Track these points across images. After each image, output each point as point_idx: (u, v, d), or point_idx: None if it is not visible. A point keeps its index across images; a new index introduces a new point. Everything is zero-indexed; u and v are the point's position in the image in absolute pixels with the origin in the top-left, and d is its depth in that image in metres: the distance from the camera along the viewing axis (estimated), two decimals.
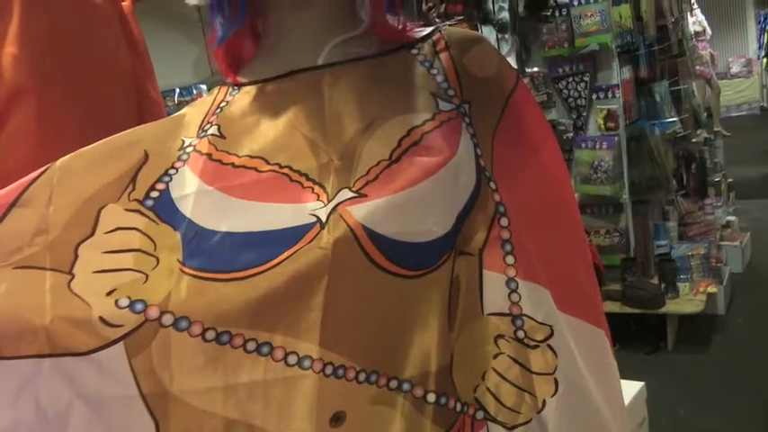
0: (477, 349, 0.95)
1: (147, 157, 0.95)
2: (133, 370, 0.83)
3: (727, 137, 7.79)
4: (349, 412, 0.86)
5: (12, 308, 0.85)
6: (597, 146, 4.29)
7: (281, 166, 0.92)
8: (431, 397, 0.90)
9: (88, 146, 0.98)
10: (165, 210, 0.90)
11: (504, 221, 0.97)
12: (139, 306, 0.84)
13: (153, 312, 0.84)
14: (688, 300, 4.23)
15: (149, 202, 0.91)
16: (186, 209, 0.90)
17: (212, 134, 0.96)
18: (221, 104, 1.01)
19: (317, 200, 0.89)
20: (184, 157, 0.96)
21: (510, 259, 0.97)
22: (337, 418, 0.85)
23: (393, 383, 0.88)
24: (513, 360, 0.96)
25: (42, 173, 0.95)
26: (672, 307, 4.16)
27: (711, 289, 4.34)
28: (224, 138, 0.96)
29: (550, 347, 0.97)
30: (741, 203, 6.56)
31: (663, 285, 4.25)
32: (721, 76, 11.52)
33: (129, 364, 0.84)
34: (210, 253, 0.87)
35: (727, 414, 3.41)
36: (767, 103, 13.07)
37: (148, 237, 0.88)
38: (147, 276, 0.86)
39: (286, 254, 0.85)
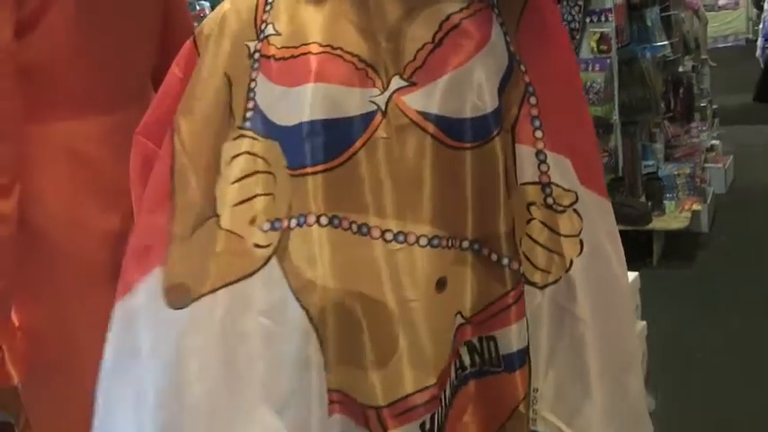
0: (517, 217, 1.12)
1: (230, 81, 1.11)
2: (285, 274, 1.01)
3: (713, 67, 7.93)
4: (447, 276, 1.04)
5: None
6: (590, 68, 4.41)
7: (333, 48, 1.07)
8: (499, 258, 1.08)
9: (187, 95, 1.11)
10: (260, 125, 1.07)
11: (533, 100, 1.14)
12: (277, 224, 1.02)
13: (285, 223, 1.01)
14: (674, 217, 4.43)
15: (248, 124, 1.08)
16: (274, 115, 1.07)
17: (270, 34, 1.11)
18: (269, 1, 1.15)
19: (374, 86, 1.05)
20: (255, 65, 1.11)
21: (539, 133, 1.14)
22: (442, 284, 1.04)
23: (464, 243, 1.06)
24: (543, 225, 1.14)
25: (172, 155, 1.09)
26: (658, 224, 4.36)
27: (696, 207, 4.54)
28: (280, 34, 1.10)
29: (576, 212, 1.15)
30: (725, 129, 6.71)
31: (650, 203, 4.44)
32: (709, 8, 11.55)
33: (282, 269, 1.00)
34: (303, 150, 1.03)
35: (710, 323, 3.62)
36: (753, 36, 13.09)
37: (259, 156, 1.05)
38: (273, 196, 1.04)
39: (359, 143, 1.02)
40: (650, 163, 4.72)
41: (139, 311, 1.08)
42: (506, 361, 1.10)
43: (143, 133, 1.17)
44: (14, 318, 1.38)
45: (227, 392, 1.02)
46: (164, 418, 1.03)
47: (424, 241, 1.03)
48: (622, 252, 1.22)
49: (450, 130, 1.04)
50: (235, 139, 1.07)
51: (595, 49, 4.45)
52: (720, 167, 5.54)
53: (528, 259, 1.14)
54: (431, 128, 1.03)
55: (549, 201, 1.14)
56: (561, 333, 1.15)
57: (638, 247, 4.39)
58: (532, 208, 1.14)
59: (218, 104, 1.09)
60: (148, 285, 1.07)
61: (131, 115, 1.42)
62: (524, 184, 1.14)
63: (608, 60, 4.43)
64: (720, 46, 12.66)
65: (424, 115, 1.03)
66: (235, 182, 1.05)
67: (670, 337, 3.43)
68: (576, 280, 1.14)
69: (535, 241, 1.14)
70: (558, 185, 1.14)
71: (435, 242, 1.04)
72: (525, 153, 1.14)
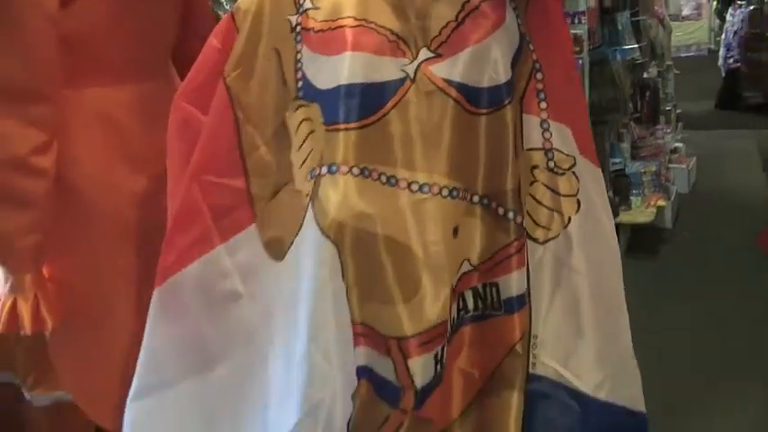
0: (522, 178, 1.26)
1: (279, 55, 1.24)
2: (315, 215, 1.13)
3: (677, 74, 8.18)
4: (460, 225, 1.18)
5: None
6: None
7: (367, 22, 1.20)
8: (505, 212, 1.22)
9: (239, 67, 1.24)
10: (308, 92, 1.20)
11: (539, 76, 1.29)
12: (313, 173, 1.15)
13: (317, 171, 1.17)
14: (640, 212, 4.61)
15: (300, 93, 1.21)
16: (316, 81, 1.20)
17: (308, 8, 1.24)
18: None
19: (404, 57, 1.18)
20: (298, 38, 1.24)
21: (543, 105, 1.28)
22: (455, 230, 1.17)
23: (475, 197, 1.19)
24: (545, 186, 1.28)
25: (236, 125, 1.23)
26: (625, 217, 4.54)
27: (661, 202, 4.73)
28: (318, 8, 1.23)
29: (574, 174, 1.29)
30: (688, 133, 6.95)
31: (617, 198, 4.61)
32: (673, 18, 11.83)
33: (313, 212, 1.12)
34: (338, 109, 1.16)
35: (670, 310, 3.80)
36: (714, 46, 13.44)
37: (310, 119, 1.18)
38: (314, 150, 1.16)
39: (390, 104, 1.15)
40: (617, 161, 4.90)
41: (243, 262, 1.22)
42: (506, 305, 1.24)
43: (183, 98, 1.28)
44: (45, 270, 1.48)
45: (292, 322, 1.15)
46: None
47: (445, 192, 1.16)
48: (611, 213, 1.36)
49: (469, 96, 1.18)
50: (295, 110, 1.20)
51: None
52: (684, 168, 5.74)
53: (531, 217, 1.28)
54: (453, 93, 1.16)
55: (551, 164, 1.28)
56: (559, 284, 1.29)
57: None
58: (536, 171, 1.28)
59: (273, 77, 1.22)
60: (246, 241, 1.22)
61: (158, 86, 1.54)
62: (529, 149, 1.28)
63: (580, 61, 4.59)
64: (683, 55, 12.97)
65: (448, 82, 1.16)
66: (299, 148, 1.18)
67: (632, 321, 3.58)
68: (573, 235, 1.28)
69: (538, 201, 1.28)
70: (559, 151, 1.28)
71: (454, 193, 1.17)
72: (531, 122, 1.27)
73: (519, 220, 1.23)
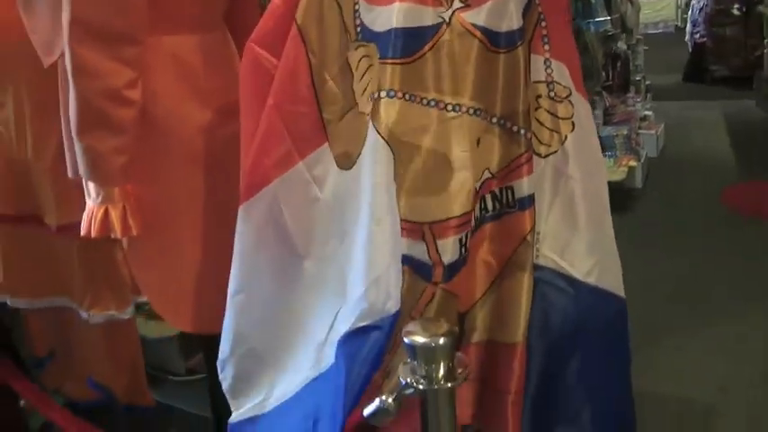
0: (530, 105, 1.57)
1: (340, 6, 1.53)
2: (375, 127, 1.43)
3: (646, 50, 8.53)
4: (481, 138, 1.48)
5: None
6: None
7: None
8: (518, 129, 1.53)
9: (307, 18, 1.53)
10: (366, 34, 1.50)
11: (543, 24, 1.60)
12: (373, 96, 1.44)
13: (376, 95, 1.45)
14: (612, 171, 4.96)
15: (360, 36, 1.51)
16: (373, 26, 1.49)
17: None
18: None
19: (441, 6, 1.48)
20: None
21: (546, 47, 1.59)
22: (478, 141, 1.48)
23: (494, 119, 1.50)
24: (547, 111, 1.59)
25: (308, 64, 1.53)
26: None
27: (632, 163, 5.09)
28: None
29: (570, 102, 1.60)
30: (657, 104, 7.30)
31: None
32: None
33: (374, 125, 1.43)
34: (390, 47, 1.46)
35: (640, 261, 4.13)
36: (681, 23, 13.81)
37: (368, 56, 1.47)
38: (373, 79, 1.47)
39: (430, 43, 1.45)
40: None
41: (320, 174, 1.54)
42: (519, 203, 1.56)
43: (256, 42, 1.57)
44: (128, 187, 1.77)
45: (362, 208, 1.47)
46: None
47: (471, 111, 1.48)
48: (596, 133, 1.68)
49: (491, 38, 1.49)
50: (356, 49, 1.50)
51: None
52: (653, 134, 6.10)
53: (535, 136, 1.59)
54: (478, 35, 1.47)
55: (552, 94, 1.60)
56: (558, 189, 1.61)
57: None
58: (540, 99, 1.59)
59: (335, 24, 1.52)
60: (322, 156, 1.53)
61: (218, 35, 1.84)
62: (535, 82, 1.59)
63: None
64: (651, 32, 13.32)
65: (475, 26, 1.47)
66: (361, 78, 1.48)
67: None
68: (569, 150, 1.60)
69: (541, 123, 1.60)
70: (558, 83, 1.60)
71: (477, 113, 1.49)
72: (537, 60, 1.59)
73: (528, 135, 1.55)
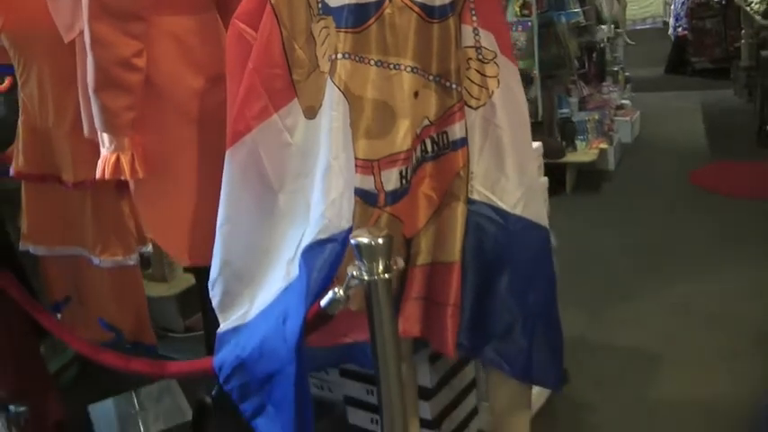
0: (461, 66, 1.91)
1: None
2: (333, 82, 1.78)
3: (631, 45, 8.88)
4: (419, 91, 1.83)
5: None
6: (514, 28, 5.25)
7: None
8: (450, 84, 1.87)
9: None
10: (325, 9, 1.86)
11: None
12: (330, 58, 1.79)
13: (333, 56, 1.80)
14: (584, 152, 5.31)
15: (320, 11, 1.87)
16: (330, 2, 1.84)
17: None
18: None
19: None
20: None
21: (475, 18, 1.93)
22: (416, 94, 1.83)
23: (431, 76, 1.85)
24: (476, 71, 1.93)
25: (280, 34, 1.87)
26: (571, 158, 5.24)
27: (603, 145, 5.43)
28: None
29: (495, 63, 1.94)
30: (636, 94, 7.64)
31: (563, 142, 5.30)
32: None
33: (332, 80, 1.79)
34: (343, 19, 1.82)
35: (610, 236, 4.51)
36: (669, 18, 14.09)
37: (327, 26, 1.82)
38: (330, 44, 1.81)
39: (375, 16, 1.81)
40: (565, 111, 5.59)
41: (291, 124, 1.88)
42: (453, 144, 1.92)
43: (239, 19, 1.91)
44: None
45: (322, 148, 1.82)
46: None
47: (409, 69, 1.82)
48: (523, 92, 2.02)
49: (426, 11, 1.84)
50: (317, 22, 1.84)
51: (519, 13, 5.29)
52: (628, 120, 6.44)
53: (467, 92, 1.94)
54: (416, 9, 1.82)
55: (480, 56, 1.94)
56: (487, 135, 1.95)
57: (554, 179, 5.24)
58: (470, 61, 1.94)
59: (302, 2, 1.85)
60: (292, 109, 1.88)
61: (210, 16, 2.19)
62: (466, 47, 1.93)
63: (529, 23, 5.28)
64: (639, 27, 13.65)
65: (413, 2, 1.82)
66: (321, 44, 1.83)
67: (578, 245, 4.29)
68: (496, 102, 1.94)
69: (472, 81, 1.94)
70: (485, 48, 1.94)
71: (415, 70, 1.83)
72: (466, 30, 1.93)
73: (459, 89, 1.90)
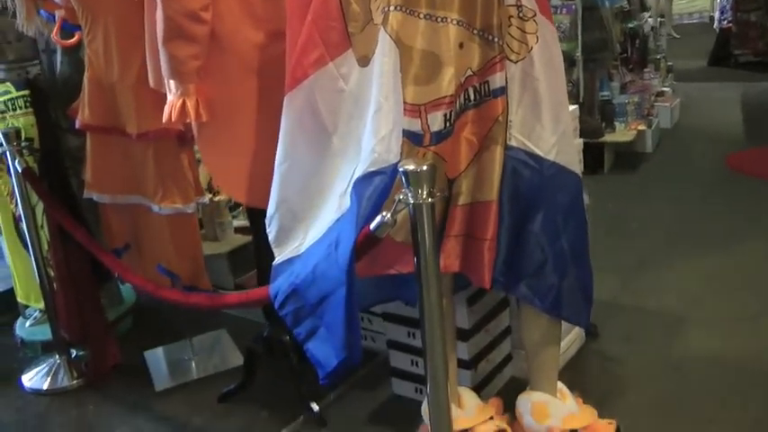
0: (503, 23, 2.06)
1: None
2: (386, 31, 1.94)
3: (678, 38, 8.89)
4: (464, 43, 1.98)
5: None
6: (558, 11, 5.36)
7: None
8: (492, 38, 2.02)
9: None
10: None
11: None
12: (384, 10, 1.94)
13: (387, 9, 1.95)
14: (622, 133, 5.42)
15: None
16: None
17: None
18: None
19: None
20: None
21: None
22: (460, 45, 1.98)
23: (475, 30, 2.00)
24: (517, 27, 2.08)
25: None
26: (609, 138, 5.35)
27: (641, 127, 5.53)
28: None
29: (535, 21, 2.09)
30: (678, 84, 7.69)
31: (603, 123, 5.41)
32: None
33: (384, 30, 1.95)
34: None
35: (645, 211, 4.61)
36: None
37: None
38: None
39: None
40: (606, 94, 5.69)
41: (345, 72, 2.04)
42: (493, 93, 2.08)
43: None
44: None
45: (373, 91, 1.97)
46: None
47: (455, 22, 1.98)
48: (559, 48, 2.17)
49: None
50: None
51: None
52: (668, 106, 6.51)
53: (509, 47, 2.09)
54: None
55: (521, 14, 2.10)
56: (525, 87, 2.11)
57: (592, 159, 5.35)
58: (512, 18, 2.10)
59: None
60: (347, 58, 2.03)
61: None
62: (508, 5, 2.09)
63: (573, 6, 5.38)
64: (686, 22, 13.61)
65: None
66: None
67: (613, 219, 4.42)
68: (535, 56, 2.10)
69: (512, 36, 2.10)
70: (525, 6, 2.10)
71: (461, 24, 1.99)
72: None
73: (501, 43, 2.05)
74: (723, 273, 3.63)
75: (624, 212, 4.60)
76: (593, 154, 5.27)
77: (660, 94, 6.76)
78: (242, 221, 3.90)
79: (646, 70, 6.47)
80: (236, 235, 3.89)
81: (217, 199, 3.78)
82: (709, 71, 9.51)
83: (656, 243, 4.08)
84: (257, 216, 2.40)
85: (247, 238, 3.77)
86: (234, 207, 4.02)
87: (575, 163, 2.18)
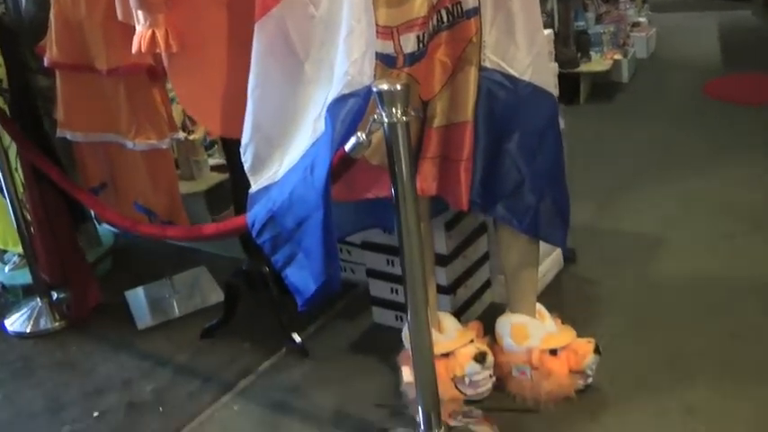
0: None
1: None
2: None
3: None
4: None
5: None
6: None
7: None
8: None
9: None
10: None
11: None
12: None
13: None
14: (598, 62, 5.40)
15: None
16: None
17: None
18: None
19: None
20: None
21: None
22: None
23: None
24: None
25: None
26: (585, 67, 5.33)
27: (617, 57, 5.51)
28: None
29: None
30: (654, 14, 7.62)
31: (579, 53, 5.39)
32: None
33: None
34: None
35: (622, 138, 4.62)
36: None
37: None
38: None
39: None
40: (581, 24, 5.65)
41: None
42: (466, 13, 2.05)
43: None
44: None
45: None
46: None
47: None
48: None
49: None
50: None
51: None
52: (644, 36, 6.46)
53: None
54: None
55: None
56: (498, 8, 2.09)
57: (568, 89, 5.34)
58: None
59: None
60: None
61: None
62: None
63: None
64: None
65: None
66: None
67: (589, 146, 4.42)
68: None
69: None
70: None
71: None
72: None
73: None
74: (700, 196, 3.65)
75: (601, 140, 4.60)
76: (568, 84, 5.26)
77: (636, 24, 6.71)
78: (218, 160, 3.87)
79: (621, 0, 6.42)
80: (212, 173, 3.86)
81: (192, 137, 3.74)
82: (685, 1, 9.45)
83: (632, 169, 4.09)
84: (233, 152, 2.38)
85: (224, 176, 3.74)
86: (209, 146, 3.99)
87: (550, 84, 2.17)
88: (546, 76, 2.17)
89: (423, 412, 2.11)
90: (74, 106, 2.83)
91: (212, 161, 3.91)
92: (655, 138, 4.55)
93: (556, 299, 2.80)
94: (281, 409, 2.50)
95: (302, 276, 2.01)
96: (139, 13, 2.22)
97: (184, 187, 3.76)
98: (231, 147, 2.47)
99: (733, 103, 5.08)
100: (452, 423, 2.20)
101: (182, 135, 3.01)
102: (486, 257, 2.83)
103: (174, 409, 2.57)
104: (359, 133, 1.78)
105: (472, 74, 2.08)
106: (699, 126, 4.67)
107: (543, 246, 2.46)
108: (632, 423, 2.20)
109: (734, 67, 5.88)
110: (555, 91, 2.20)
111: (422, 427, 2.12)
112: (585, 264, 3.10)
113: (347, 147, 1.80)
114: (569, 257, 3.08)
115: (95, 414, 2.61)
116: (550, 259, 2.93)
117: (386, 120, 1.72)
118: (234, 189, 2.82)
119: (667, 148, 4.37)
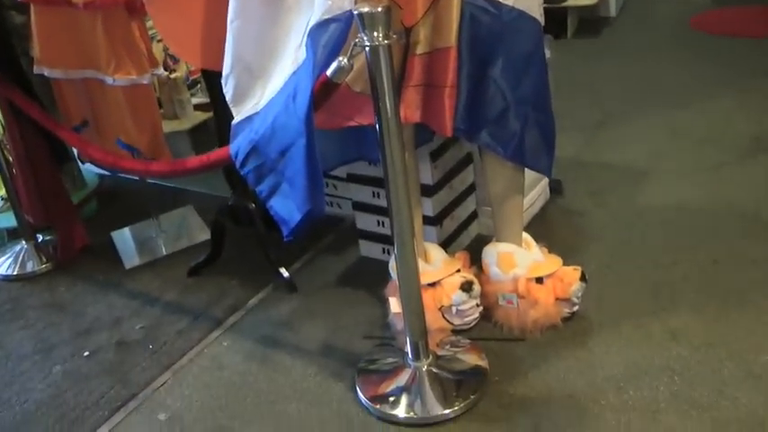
0: None
1: None
2: None
3: None
4: None
5: None
6: None
7: None
8: None
9: None
10: None
11: None
12: None
13: None
14: None
15: None
16: None
17: None
18: None
19: None
20: None
21: None
22: None
23: None
24: None
25: None
26: (572, 2, 5.26)
27: None
28: None
29: None
30: None
31: None
32: None
33: None
34: None
35: (607, 70, 4.58)
36: None
37: None
38: None
39: None
40: None
41: None
42: None
43: None
44: None
45: None
46: None
47: None
48: None
49: None
50: None
51: None
52: None
53: None
54: None
55: None
56: None
57: (555, 24, 5.29)
58: None
59: None
60: None
61: None
62: None
63: None
64: None
65: None
66: None
67: (576, 80, 4.39)
68: None
69: None
70: None
71: None
72: None
73: None
74: (686, 127, 3.64)
75: (587, 74, 4.58)
76: (555, 19, 5.23)
77: None
78: (201, 99, 3.83)
79: None
80: (196, 112, 3.82)
81: (174, 76, 3.69)
82: None
83: (619, 101, 4.07)
84: (215, 86, 2.34)
85: (208, 115, 3.72)
86: (192, 84, 3.94)
87: (534, 9, 2.13)
88: (530, 1, 2.13)
89: (410, 342, 2.12)
90: (50, 42, 2.77)
91: (196, 100, 3.87)
92: (642, 71, 4.52)
93: (542, 229, 2.81)
94: (271, 343, 2.50)
95: (287, 206, 2.00)
96: None
97: (168, 126, 3.74)
98: (213, 81, 2.43)
99: (719, 36, 5.03)
100: (440, 352, 2.21)
101: (163, 72, 2.96)
102: (472, 188, 2.82)
103: (163, 346, 2.58)
104: (340, 58, 1.75)
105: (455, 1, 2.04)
106: (686, 59, 4.64)
107: (530, 176, 2.45)
108: (618, 349, 2.21)
109: (721, 1, 5.82)
110: (540, 18, 2.16)
111: (410, 356, 2.14)
112: (572, 195, 3.10)
113: (329, 71, 1.77)
114: (556, 189, 3.08)
115: (86, 354, 2.62)
116: (536, 190, 2.93)
117: (367, 43, 1.69)
118: (218, 124, 2.79)
119: (655, 80, 4.35)
